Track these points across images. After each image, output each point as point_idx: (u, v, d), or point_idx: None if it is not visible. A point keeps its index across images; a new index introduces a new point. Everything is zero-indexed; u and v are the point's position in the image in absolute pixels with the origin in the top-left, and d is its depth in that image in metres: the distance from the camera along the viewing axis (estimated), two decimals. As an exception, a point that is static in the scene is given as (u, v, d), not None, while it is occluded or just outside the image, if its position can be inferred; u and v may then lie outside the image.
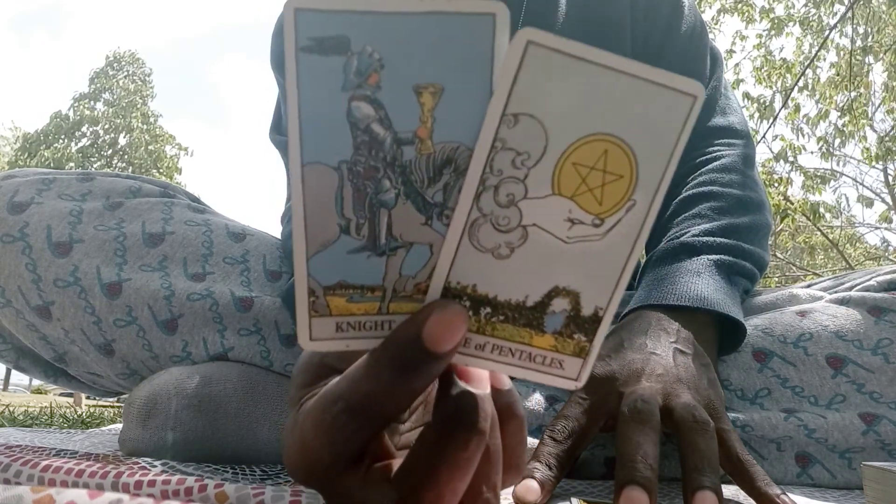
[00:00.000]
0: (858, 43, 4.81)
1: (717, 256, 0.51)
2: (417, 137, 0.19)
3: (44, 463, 0.29)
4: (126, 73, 18.43)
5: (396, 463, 0.22)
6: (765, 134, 4.80)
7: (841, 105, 5.28)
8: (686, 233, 0.54)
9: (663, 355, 0.41)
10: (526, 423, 0.24)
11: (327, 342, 0.21)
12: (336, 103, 0.18)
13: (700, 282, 0.48)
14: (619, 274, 0.20)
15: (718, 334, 0.48)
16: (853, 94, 5.05)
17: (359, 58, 0.18)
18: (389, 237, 0.20)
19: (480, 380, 0.21)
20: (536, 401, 0.47)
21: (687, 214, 0.56)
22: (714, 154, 0.62)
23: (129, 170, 16.36)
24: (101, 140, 17.39)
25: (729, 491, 0.38)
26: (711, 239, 0.52)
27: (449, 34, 0.18)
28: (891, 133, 5.63)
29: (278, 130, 0.67)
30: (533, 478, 0.33)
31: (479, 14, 0.18)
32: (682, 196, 0.59)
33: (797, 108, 5.28)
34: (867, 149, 5.62)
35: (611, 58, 0.18)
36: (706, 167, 0.60)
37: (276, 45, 0.67)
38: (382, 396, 0.20)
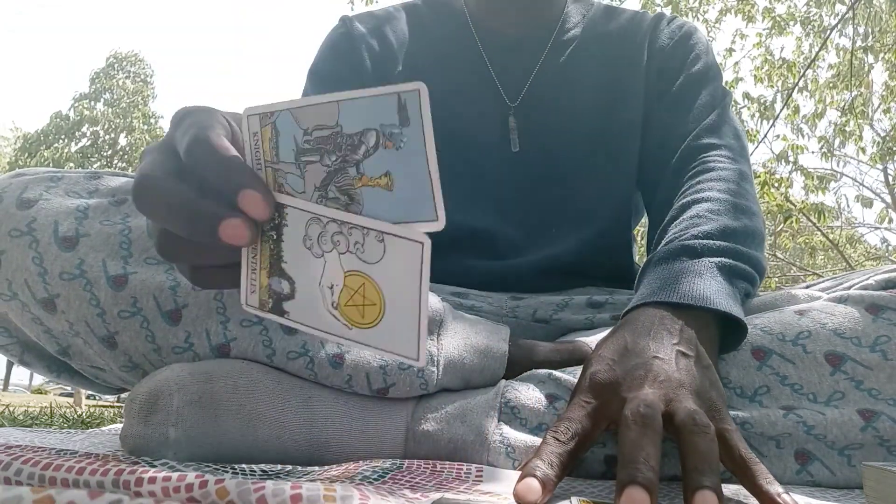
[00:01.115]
0: (859, 43, 4.81)
1: (718, 259, 0.51)
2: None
3: (44, 461, 0.29)
4: (127, 74, 18.44)
5: None
6: (766, 134, 4.80)
7: (842, 105, 5.27)
8: (685, 234, 0.54)
9: (666, 359, 0.41)
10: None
11: None
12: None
13: (701, 282, 0.48)
14: None
15: (719, 333, 0.48)
16: (854, 93, 5.04)
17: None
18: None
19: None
20: (537, 399, 0.47)
21: (684, 216, 0.57)
22: (709, 165, 0.63)
23: (130, 170, 16.29)
24: (101, 140, 17.39)
25: (729, 490, 0.38)
26: (711, 242, 0.52)
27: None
28: (891, 133, 5.62)
29: None
30: (534, 476, 0.33)
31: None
32: (678, 203, 0.60)
33: (797, 110, 5.27)
34: (862, 148, 5.62)
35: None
36: (701, 176, 0.62)
37: (318, 55, 0.78)
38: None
